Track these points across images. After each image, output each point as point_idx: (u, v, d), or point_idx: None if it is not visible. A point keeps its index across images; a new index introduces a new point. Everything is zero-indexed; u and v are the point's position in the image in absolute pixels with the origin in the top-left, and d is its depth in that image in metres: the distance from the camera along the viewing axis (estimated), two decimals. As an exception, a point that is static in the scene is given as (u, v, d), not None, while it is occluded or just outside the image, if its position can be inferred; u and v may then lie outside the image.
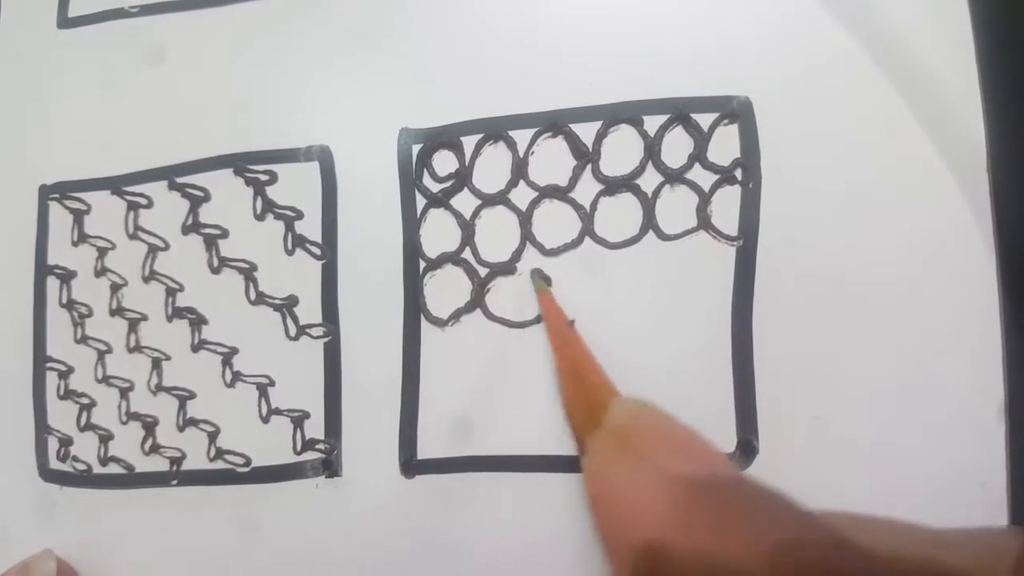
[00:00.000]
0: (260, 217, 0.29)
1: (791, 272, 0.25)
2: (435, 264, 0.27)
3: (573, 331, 0.25)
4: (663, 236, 0.26)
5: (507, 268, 0.27)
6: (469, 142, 0.27)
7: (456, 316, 0.27)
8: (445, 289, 0.27)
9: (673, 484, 0.14)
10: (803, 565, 0.11)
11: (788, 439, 0.24)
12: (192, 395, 0.29)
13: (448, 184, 0.28)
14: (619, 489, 0.15)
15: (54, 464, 0.31)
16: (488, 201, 0.27)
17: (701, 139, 0.26)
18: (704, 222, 0.25)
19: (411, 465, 0.27)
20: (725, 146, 0.25)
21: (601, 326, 0.26)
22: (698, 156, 0.26)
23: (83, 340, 0.31)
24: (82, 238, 0.31)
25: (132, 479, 0.30)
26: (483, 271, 0.27)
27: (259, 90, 0.30)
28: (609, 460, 0.16)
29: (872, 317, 0.24)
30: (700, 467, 0.15)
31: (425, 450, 0.27)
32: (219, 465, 0.29)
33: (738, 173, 0.25)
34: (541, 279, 0.26)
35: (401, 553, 0.27)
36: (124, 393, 0.30)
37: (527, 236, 0.27)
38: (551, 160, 0.27)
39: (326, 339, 0.28)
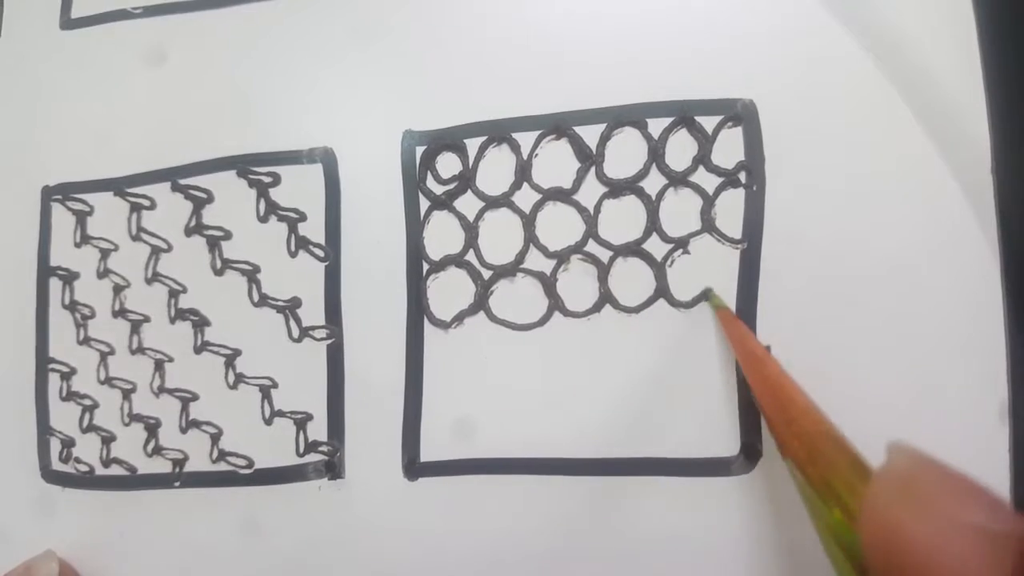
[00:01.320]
0: (263, 219, 0.29)
1: (795, 275, 0.25)
2: (438, 266, 0.27)
3: (772, 360, 0.23)
4: (667, 239, 0.26)
5: (510, 270, 0.27)
6: (473, 144, 0.27)
7: (459, 318, 0.27)
8: (448, 291, 0.27)
9: (974, 535, 0.14)
10: None
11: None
12: (195, 397, 0.29)
13: (451, 186, 0.27)
14: (916, 543, 0.14)
15: (56, 465, 0.31)
16: (492, 203, 0.27)
17: (705, 142, 0.26)
18: (708, 225, 0.25)
19: (414, 467, 0.27)
20: (729, 149, 0.25)
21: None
22: (702, 159, 0.26)
23: (85, 341, 0.31)
24: (85, 239, 0.31)
25: (134, 481, 0.30)
26: (486, 273, 0.27)
27: (262, 92, 0.30)
28: (897, 512, 0.15)
29: (875, 319, 0.24)
30: (992, 516, 0.15)
31: (428, 452, 0.27)
32: (222, 467, 0.29)
33: (742, 176, 0.25)
34: (718, 297, 0.24)
35: (403, 555, 0.27)
36: (126, 395, 0.30)
37: (531, 238, 0.27)
38: (555, 162, 0.27)
39: (329, 341, 0.28)
